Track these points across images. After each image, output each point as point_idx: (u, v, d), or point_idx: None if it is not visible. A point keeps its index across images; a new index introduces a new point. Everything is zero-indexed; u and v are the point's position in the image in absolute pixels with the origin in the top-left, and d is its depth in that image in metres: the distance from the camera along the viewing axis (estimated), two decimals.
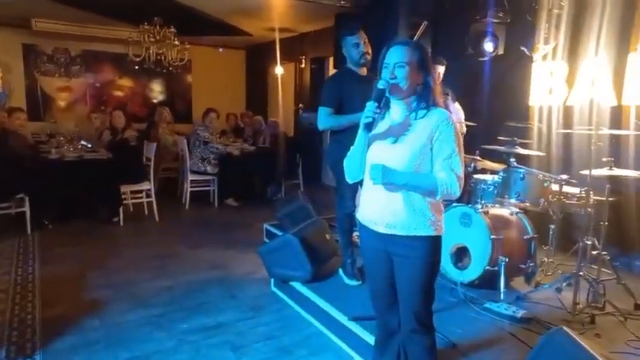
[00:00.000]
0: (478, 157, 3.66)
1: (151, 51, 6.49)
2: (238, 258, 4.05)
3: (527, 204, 3.15)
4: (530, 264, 3.10)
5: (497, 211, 3.20)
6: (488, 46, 4.24)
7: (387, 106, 1.80)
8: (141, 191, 5.30)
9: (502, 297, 2.88)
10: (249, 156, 6.32)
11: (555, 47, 4.02)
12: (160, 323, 2.84)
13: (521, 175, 3.13)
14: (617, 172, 2.88)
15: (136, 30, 6.40)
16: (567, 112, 3.98)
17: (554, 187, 3.11)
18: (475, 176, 3.56)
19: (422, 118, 1.72)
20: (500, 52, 4.36)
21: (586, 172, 2.86)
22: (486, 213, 3.08)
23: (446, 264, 3.14)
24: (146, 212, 5.37)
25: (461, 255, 3.12)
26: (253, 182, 6.46)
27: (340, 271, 3.21)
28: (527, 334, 2.46)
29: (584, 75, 3.82)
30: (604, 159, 2.90)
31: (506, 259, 2.94)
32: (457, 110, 4.01)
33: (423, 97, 1.73)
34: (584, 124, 3.66)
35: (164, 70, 6.92)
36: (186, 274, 3.66)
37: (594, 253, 2.96)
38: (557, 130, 4.01)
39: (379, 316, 1.96)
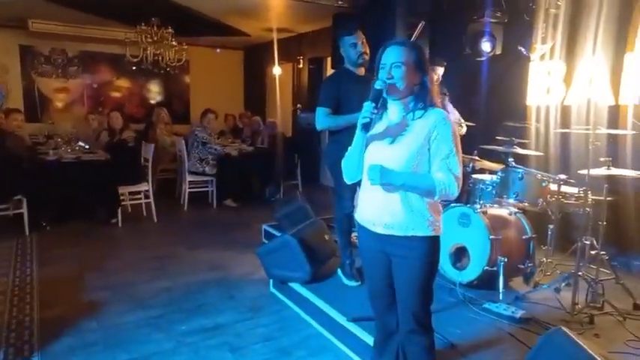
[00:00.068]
0: (476, 157, 3.66)
1: (148, 52, 6.47)
2: (237, 259, 4.05)
3: (526, 204, 3.15)
4: (529, 264, 3.10)
5: (495, 211, 3.21)
6: (485, 46, 4.25)
7: (385, 107, 1.80)
8: (139, 192, 5.29)
9: (501, 297, 2.88)
10: (247, 157, 6.31)
11: (553, 47, 4.03)
12: (158, 325, 2.84)
13: (520, 175, 3.13)
14: (615, 171, 2.88)
15: (134, 31, 6.39)
16: (565, 111, 3.98)
17: (553, 186, 3.12)
18: (474, 176, 3.57)
19: (419, 118, 1.72)
20: (498, 51, 4.37)
21: (584, 171, 2.86)
22: (485, 213, 3.09)
23: (445, 264, 3.14)
24: (144, 213, 5.36)
25: (460, 255, 3.12)
26: (252, 183, 6.46)
27: (339, 271, 3.20)
28: (526, 335, 2.46)
29: (582, 74, 3.83)
30: (602, 159, 2.91)
31: (505, 260, 2.94)
32: (453, 110, 4.02)
33: (420, 97, 1.73)
34: (581, 123, 3.67)
35: (162, 71, 6.90)
36: (185, 275, 3.66)
37: (593, 252, 2.97)
38: (554, 129, 4.01)
39: (378, 316, 1.96)
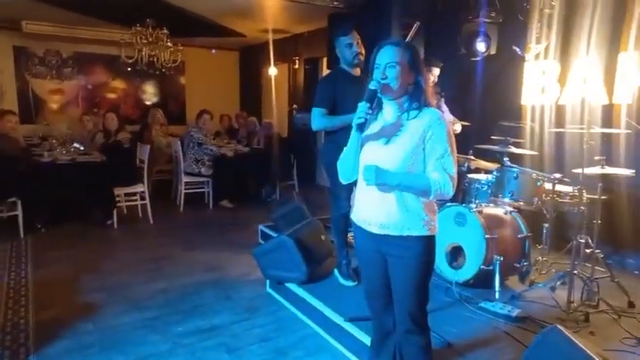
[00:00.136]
0: (472, 157, 3.67)
1: (143, 53, 6.45)
2: (233, 260, 4.04)
3: (521, 203, 3.17)
4: (525, 263, 3.11)
5: (491, 210, 3.22)
6: (480, 46, 4.27)
7: (380, 107, 1.80)
8: (135, 193, 5.27)
9: (497, 296, 2.89)
10: (243, 157, 6.31)
11: (547, 47, 4.05)
12: (154, 326, 2.83)
13: (515, 175, 3.15)
14: (609, 170, 2.90)
15: (128, 32, 6.36)
16: (559, 111, 4.00)
17: (548, 185, 3.13)
18: (469, 176, 3.58)
19: (414, 118, 1.72)
20: (493, 51, 4.38)
21: (578, 170, 2.88)
22: (480, 212, 3.10)
23: (441, 263, 3.15)
24: (140, 215, 5.34)
25: (456, 254, 3.13)
26: (248, 184, 6.45)
27: (336, 271, 3.21)
28: (523, 333, 2.47)
29: (576, 74, 3.85)
30: (596, 157, 2.92)
31: (501, 258, 2.96)
32: (447, 112, 4.04)
33: (414, 97, 1.74)
34: (576, 122, 3.69)
35: (157, 72, 6.88)
36: (181, 277, 3.65)
37: (588, 251, 2.98)
38: (549, 129, 4.03)
39: (375, 316, 1.97)
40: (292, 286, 3.10)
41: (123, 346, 2.59)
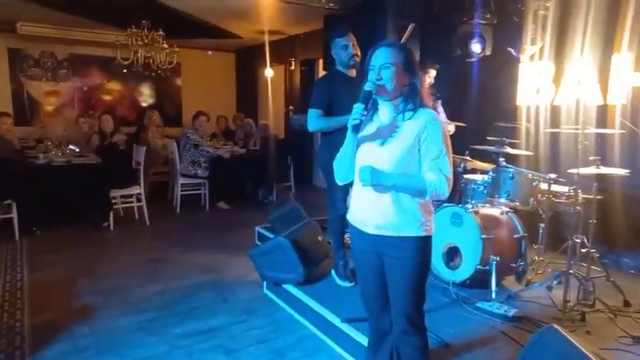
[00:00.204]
0: (468, 158, 3.69)
1: (139, 54, 6.44)
2: (230, 261, 4.03)
3: (517, 203, 3.18)
4: (521, 263, 3.12)
5: (487, 210, 3.23)
6: (475, 47, 4.29)
7: (375, 108, 1.81)
8: (131, 195, 5.26)
9: (494, 296, 2.90)
10: (239, 159, 6.30)
11: (542, 48, 4.07)
12: (151, 328, 2.82)
13: (511, 175, 3.16)
14: (604, 170, 2.92)
15: (124, 33, 6.35)
16: (554, 111, 4.02)
17: (543, 186, 3.15)
18: (465, 176, 3.59)
19: (409, 119, 1.73)
20: (488, 53, 4.41)
21: (574, 170, 2.90)
22: (477, 213, 3.11)
23: (437, 264, 3.16)
24: (136, 217, 5.33)
25: (452, 255, 3.14)
26: (244, 185, 6.44)
27: (333, 272, 3.20)
28: (519, 333, 2.48)
29: (571, 75, 3.87)
30: (591, 158, 2.94)
31: (497, 259, 2.96)
32: (442, 113, 4.06)
33: (409, 98, 1.74)
34: (570, 123, 3.71)
35: (153, 74, 6.88)
36: (178, 279, 3.64)
37: (583, 250, 3.00)
38: (544, 129, 4.05)
39: (371, 317, 1.97)
40: (289, 288, 3.10)
41: (119, 349, 2.58)
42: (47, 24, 6.83)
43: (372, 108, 1.77)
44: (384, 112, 1.79)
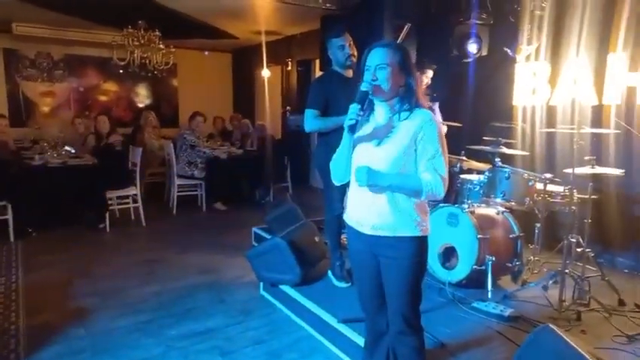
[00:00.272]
0: (464, 158, 3.69)
1: (135, 55, 6.42)
2: (227, 262, 4.03)
3: (513, 203, 3.19)
4: (517, 262, 3.13)
5: (483, 210, 3.24)
6: (472, 47, 4.30)
7: (371, 108, 1.81)
8: (127, 196, 5.24)
9: (489, 296, 2.90)
10: (236, 159, 6.29)
11: (538, 48, 4.08)
12: (147, 330, 2.81)
13: (507, 175, 3.16)
14: (599, 170, 2.93)
15: (120, 34, 6.33)
16: (550, 111, 4.04)
17: (539, 185, 3.15)
18: (461, 176, 3.60)
19: (405, 119, 1.73)
20: (484, 53, 4.42)
21: (569, 170, 2.90)
22: (473, 213, 3.11)
23: (434, 264, 3.16)
24: (133, 218, 5.32)
25: (448, 255, 3.15)
26: (241, 186, 6.43)
27: (329, 273, 3.20)
28: (515, 333, 2.48)
29: (566, 75, 3.88)
30: (586, 157, 2.95)
31: (493, 258, 2.97)
32: (439, 114, 4.06)
33: (405, 98, 1.74)
34: (566, 123, 3.72)
35: (149, 74, 6.86)
36: (175, 280, 3.63)
37: (579, 250, 3.01)
38: (540, 129, 4.07)
39: (368, 317, 1.97)
40: (286, 288, 3.10)
41: (115, 350, 2.57)
42: (43, 24, 6.79)
43: (368, 108, 1.77)
44: (380, 112, 1.79)
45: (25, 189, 4.51)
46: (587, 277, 2.90)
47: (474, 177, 3.55)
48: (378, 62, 1.70)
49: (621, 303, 2.90)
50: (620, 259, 3.66)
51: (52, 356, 2.50)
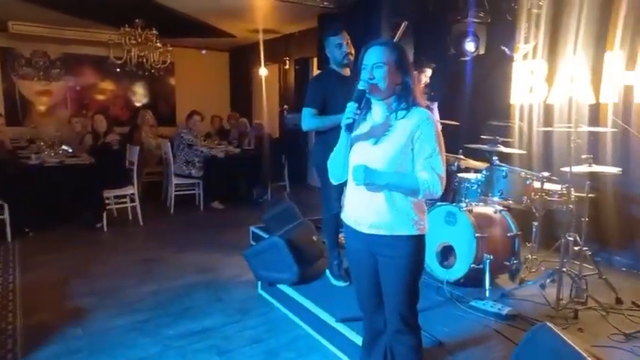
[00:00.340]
0: (461, 156, 3.69)
1: (132, 53, 6.41)
2: (224, 261, 4.02)
3: (511, 202, 3.19)
4: (515, 261, 3.14)
5: (481, 209, 3.24)
6: (469, 45, 4.30)
7: (368, 107, 1.80)
8: (124, 196, 5.23)
9: (487, 294, 2.90)
10: (234, 158, 6.29)
11: (535, 46, 4.09)
12: (144, 329, 2.80)
13: (504, 174, 3.17)
14: (597, 168, 2.93)
15: (117, 32, 6.32)
16: (547, 110, 4.04)
17: (536, 184, 3.16)
18: (459, 175, 3.60)
19: (402, 118, 1.72)
20: (482, 51, 4.42)
21: (566, 169, 2.91)
22: (471, 211, 3.11)
23: (431, 263, 3.16)
24: (130, 217, 5.30)
25: (446, 254, 3.15)
26: (238, 185, 6.43)
27: (327, 272, 3.20)
28: (513, 331, 2.48)
29: (564, 73, 3.89)
30: (583, 156, 2.96)
31: (491, 257, 2.97)
32: (436, 113, 4.06)
33: (402, 97, 1.74)
34: (563, 121, 3.73)
35: (146, 73, 6.85)
36: (172, 279, 3.62)
37: (576, 249, 3.02)
38: (537, 128, 4.07)
39: (366, 316, 1.96)
40: (284, 287, 3.09)
41: (112, 350, 2.56)
42: (40, 23, 6.77)
43: (365, 107, 1.76)
44: (378, 111, 1.79)
45: (21, 188, 4.49)
46: (585, 276, 2.90)
47: (471, 176, 3.55)
48: (375, 61, 1.70)
49: (618, 301, 2.90)
50: (617, 257, 3.67)
51: (49, 356, 2.50)
